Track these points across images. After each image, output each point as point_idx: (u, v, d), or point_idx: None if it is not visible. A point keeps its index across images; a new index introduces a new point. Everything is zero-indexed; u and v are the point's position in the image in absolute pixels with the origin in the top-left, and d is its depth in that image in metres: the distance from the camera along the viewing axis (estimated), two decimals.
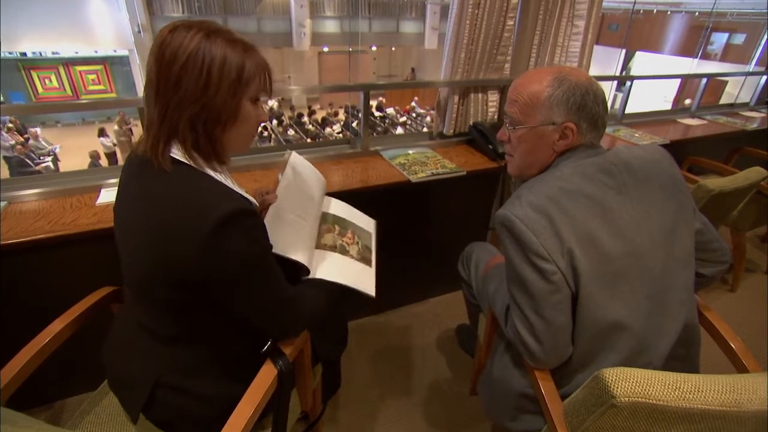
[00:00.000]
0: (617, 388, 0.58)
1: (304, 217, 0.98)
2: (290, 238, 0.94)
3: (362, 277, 0.95)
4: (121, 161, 8.43)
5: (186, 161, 0.67)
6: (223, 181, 0.69)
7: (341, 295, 0.91)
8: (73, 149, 9.43)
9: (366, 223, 1.11)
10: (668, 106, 9.10)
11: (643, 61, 12.92)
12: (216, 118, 0.67)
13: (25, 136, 8.47)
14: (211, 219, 0.62)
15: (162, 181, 0.66)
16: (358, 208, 1.14)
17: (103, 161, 8.03)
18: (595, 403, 0.62)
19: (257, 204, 0.74)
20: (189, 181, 0.67)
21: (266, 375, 0.78)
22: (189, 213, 0.63)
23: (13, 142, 8.00)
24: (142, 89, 0.70)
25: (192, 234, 0.62)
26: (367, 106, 1.66)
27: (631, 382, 0.58)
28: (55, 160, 8.04)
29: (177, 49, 0.62)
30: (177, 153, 0.67)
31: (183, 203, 0.64)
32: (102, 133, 8.47)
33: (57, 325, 0.89)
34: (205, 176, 0.68)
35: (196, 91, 0.63)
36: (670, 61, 12.12)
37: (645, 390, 0.57)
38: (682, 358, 0.86)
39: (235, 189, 0.70)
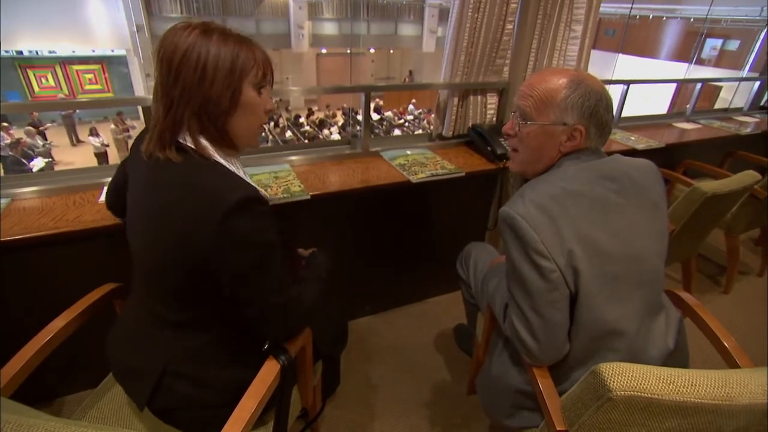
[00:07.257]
0: (613, 382, 0.60)
1: None
2: None
3: None
4: (112, 161, 8.39)
5: (196, 149, 0.69)
6: (236, 171, 0.71)
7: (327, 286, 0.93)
8: (68, 148, 9.44)
9: None
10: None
11: (628, 66, 12.80)
12: (217, 107, 0.69)
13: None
14: (223, 205, 0.64)
15: (174, 169, 0.68)
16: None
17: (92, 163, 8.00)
18: (592, 397, 0.64)
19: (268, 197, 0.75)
20: (201, 169, 0.69)
21: (269, 370, 0.79)
22: (202, 200, 0.65)
23: (8, 140, 7.94)
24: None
25: (204, 220, 0.64)
26: (368, 108, 1.68)
27: (627, 377, 0.60)
28: (51, 161, 7.98)
29: (175, 47, 0.67)
30: (187, 140, 0.69)
31: (196, 190, 0.67)
32: (92, 132, 8.44)
33: (60, 322, 0.89)
34: (217, 165, 0.70)
35: (194, 84, 0.67)
36: (657, 66, 12.17)
37: (640, 384, 0.59)
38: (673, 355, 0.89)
39: (247, 180, 0.72)
